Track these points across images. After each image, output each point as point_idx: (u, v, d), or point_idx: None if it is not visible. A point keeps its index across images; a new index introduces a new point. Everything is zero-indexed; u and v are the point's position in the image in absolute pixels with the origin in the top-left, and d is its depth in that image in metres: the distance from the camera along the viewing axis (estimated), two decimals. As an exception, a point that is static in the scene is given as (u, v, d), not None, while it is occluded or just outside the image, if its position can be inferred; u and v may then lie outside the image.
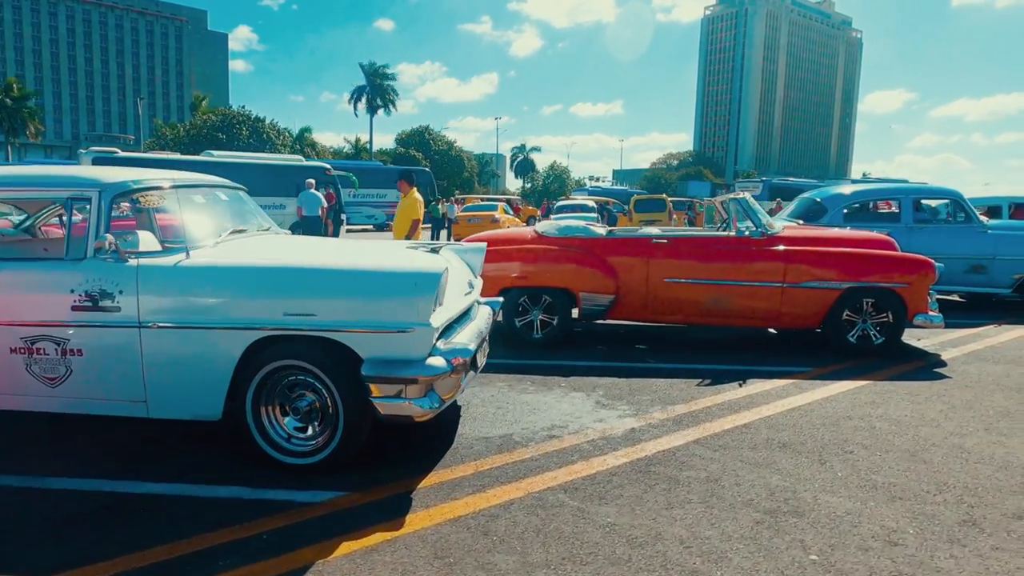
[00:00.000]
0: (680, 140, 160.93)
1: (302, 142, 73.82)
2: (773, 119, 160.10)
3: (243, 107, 58.29)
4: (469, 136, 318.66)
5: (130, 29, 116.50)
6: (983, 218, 8.49)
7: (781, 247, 5.79)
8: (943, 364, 5.56)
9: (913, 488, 3.08)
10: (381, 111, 66.65)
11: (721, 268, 5.80)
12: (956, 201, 8.37)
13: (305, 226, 16.42)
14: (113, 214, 3.22)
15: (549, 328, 5.98)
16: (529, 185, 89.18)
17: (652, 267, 5.87)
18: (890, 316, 5.70)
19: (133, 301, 3.04)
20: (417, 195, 7.44)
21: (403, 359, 2.95)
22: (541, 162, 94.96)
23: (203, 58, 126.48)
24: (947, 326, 7.24)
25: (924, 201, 8.67)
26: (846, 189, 9.10)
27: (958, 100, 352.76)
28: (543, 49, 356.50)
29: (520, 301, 5.98)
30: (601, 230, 6.10)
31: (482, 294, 6.02)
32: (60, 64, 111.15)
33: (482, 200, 34.80)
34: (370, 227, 32.60)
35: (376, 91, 65.45)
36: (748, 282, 5.75)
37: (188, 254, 3.16)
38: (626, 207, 26.75)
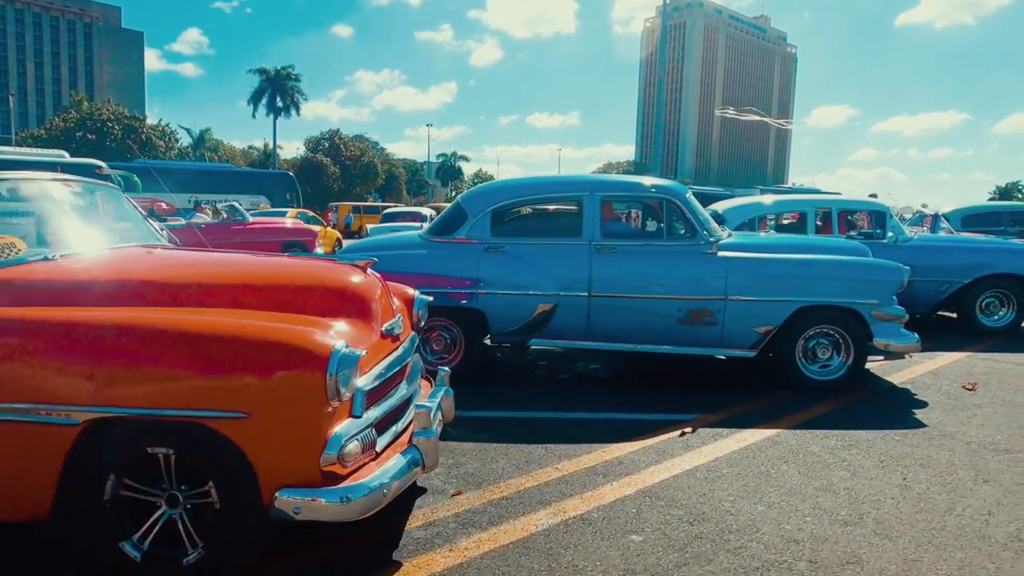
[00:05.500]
0: (631, 151, 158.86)
1: (202, 145, 68.73)
2: (712, 130, 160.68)
3: (135, 113, 53.27)
4: (423, 145, 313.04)
5: (32, 24, 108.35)
6: (722, 232, 5.18)
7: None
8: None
9: None
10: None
11: None
12: (671, 203, 5.02)
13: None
14: None
15: None
16: (455, 193, 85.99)
17: None
18: (215, 494, 2.17)
19: None
20: None
21: None
22: (469, 170, 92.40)
23: (117, 58, 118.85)
24: (638, 423, 3.67)
25: (626, 202, 5.31)
26: (500, 186, 5.69)
27: (897, 116, 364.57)
28: (503, 60, 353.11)
29: None
30: None
31: None
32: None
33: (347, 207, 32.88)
34: (222, 239, 28.45)
35: (278, 92, 60.72)
36: None
37: None
38: None
